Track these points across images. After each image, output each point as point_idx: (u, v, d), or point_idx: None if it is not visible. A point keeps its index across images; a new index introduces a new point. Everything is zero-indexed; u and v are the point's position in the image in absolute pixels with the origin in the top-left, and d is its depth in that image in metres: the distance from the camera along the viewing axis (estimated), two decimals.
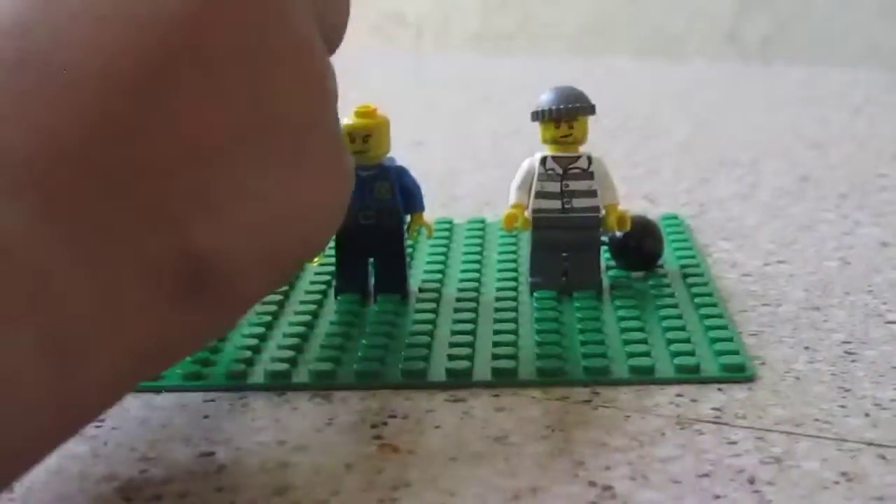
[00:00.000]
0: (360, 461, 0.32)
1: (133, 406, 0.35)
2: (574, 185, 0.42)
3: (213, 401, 0.35)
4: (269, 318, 0.40)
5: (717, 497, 0.29)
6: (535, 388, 0.35)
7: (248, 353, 0.37)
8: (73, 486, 0.31)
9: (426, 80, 0.90)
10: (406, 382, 0.36)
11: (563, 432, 0.33)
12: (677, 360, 0.36)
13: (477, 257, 0.46)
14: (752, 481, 0.30)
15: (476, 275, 0.44)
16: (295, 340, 0.38)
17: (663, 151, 0.66)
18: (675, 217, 0.51)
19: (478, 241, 0.48)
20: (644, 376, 0.36)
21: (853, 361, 0.37)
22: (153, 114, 0.28)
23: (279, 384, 0.36)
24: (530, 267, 0.42)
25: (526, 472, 0.31)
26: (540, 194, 0.42)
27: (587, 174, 0.41)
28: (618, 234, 0.43)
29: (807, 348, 0.38)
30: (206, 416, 0.35)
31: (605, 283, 0.43)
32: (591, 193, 0.42)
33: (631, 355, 0.37)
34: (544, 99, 0.41)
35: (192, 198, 0.28)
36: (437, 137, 0.69)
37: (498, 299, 0.42)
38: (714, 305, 0.40)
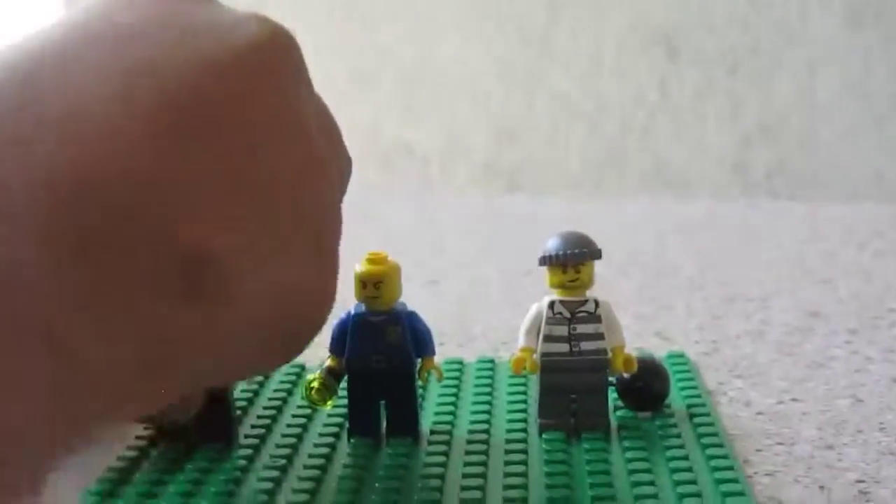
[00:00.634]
0: None
1: None
2: (581, 329, 0.42)
3: None
4: (283, 461, 0.41)
5: None
6: None
7: (266, 497, 0.38)
8: None
9: (434, 218, 0.92)
10: None
11: None
12: (684, 503, 0.37)
13: (487, 398, 0.47)
14: None
15: (486, 416, 0.45)
16: (310, 484, 0.39)
17: (673, 288, 0.67)
18: (682, 356, 0.51)
19: (487, 381, 0.49)
20: None
21: (868, 501, 0.38)
22: (164, 166, 0.31)
23: None
24: (539, 409, 0.43)
25: None
26: (548, 338, 0.43)
27: (594, 317, 0.42)
28: (625, 375, 0.44)
29: (822, 488, 0.39)
30: None
31: (613, 423, 0.44)
32: (599, 336, 0.42)
33: (638, 497, 0.37)
34: (551, 244, 0.42)
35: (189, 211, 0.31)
36: (449, 277, 0.70)
37: (508, 441, 0.42)
38: (721, 446, 0.41)
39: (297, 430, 0.44)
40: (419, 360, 0.43)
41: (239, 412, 0.45)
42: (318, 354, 0.50)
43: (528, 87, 1.20)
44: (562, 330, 0.43)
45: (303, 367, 0.51)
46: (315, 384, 0.43)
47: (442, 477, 0.39)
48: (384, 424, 0.43)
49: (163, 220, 0.30)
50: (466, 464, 0.40)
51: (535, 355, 0.43)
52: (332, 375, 0.43)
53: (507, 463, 0.40)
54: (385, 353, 0.42)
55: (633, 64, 1.18)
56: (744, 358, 0.53)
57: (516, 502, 0.37)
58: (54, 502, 0.29)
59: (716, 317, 0.60)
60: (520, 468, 0.40)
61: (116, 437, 0.44)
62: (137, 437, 0.43)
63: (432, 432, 0.44)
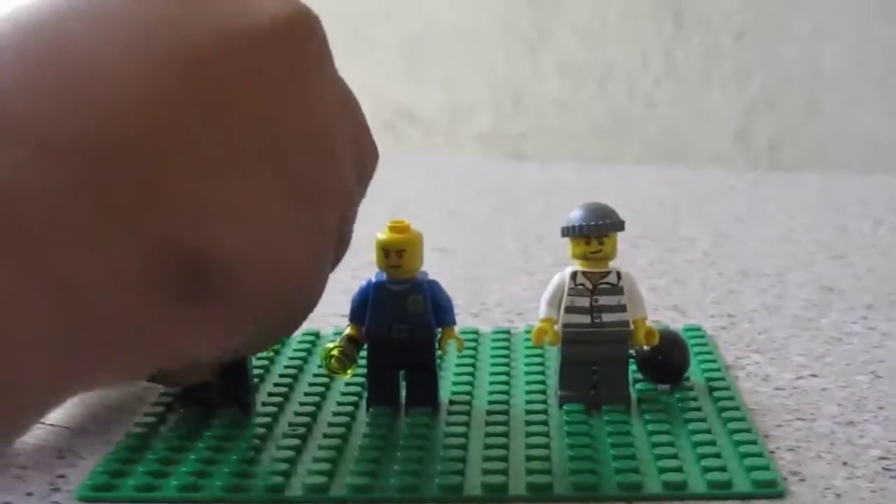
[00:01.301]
0: None
1: None
2: (603, 301, 0.42)
3: None
4: (303, 429, 0.41)
5: None
6: (571, 503, 0.36)
7: (286, 466, 0.38)
8: None
9: (441, 184, 0.91)
10: (445, 497, 0.36)
11: None
12: (709, 476, 0.36)
13: (505, 369, 0.47)
14: None
15: (505, 387, 0.45)
16: (330, 453, 0.39)
17: (687, 262, 0.66)
18: (699, 329, 0.51)
19: (504, 352, 0.49)
20: (677, 492, 0.36)
21: (892, 478, 0.37)
22: (182, 128, 0.31)
23: (318, 498, 0.36)
24: (559, 380, 0.43)
25: None
26: (570, 309, 0.42)
27: (617, 289, 0.42)
28: (645, 347, 0.44)
29: (845, 464, 0.39)
30: None
31: (633, 396, 0.43)
32: (621, 308, 0.42)
33: (663, 470, 0.37)
34: (575, 215, 0.42)
35: (201, 205, 0.32)
36: (460, 244, 0.70)
37: (528, 412, 0.42)
38: (742, 420, 0.41)
39: (316, 399, 0.44)
40: (439, 329, 0.43)
41: (256, 380, 0.45)
42: (330, 323, 0.50)
43: (533, 54, 1.20)
44: (584, 301, 0.42)
45: (317, 335, 0.50)
46: (335, 352, 0.42)
47: (464, 448, 0.39)
48: (403, 394, 0.43)
49: (156, 182, 0.31)
50: (488, 435, 0.40)
51: (556, 326, 0.42)
52: (352, 344, 0.42)
53: (528, 434, 0.40)
54: (406, 322, 0.42)
55: (638, 30, 1.18)
56: (760, 333, 0.53)
57: (541, 474, 0.37)
58: None
59: (731, 291, 0.60)
60: (542, 440, 0.40)
61: (135, 402, 0.44)
62: (155, 404, 0.43)
63: (451, 403, 0.43)
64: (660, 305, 0.56)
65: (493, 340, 0.50)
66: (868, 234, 0.72)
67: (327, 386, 0.45)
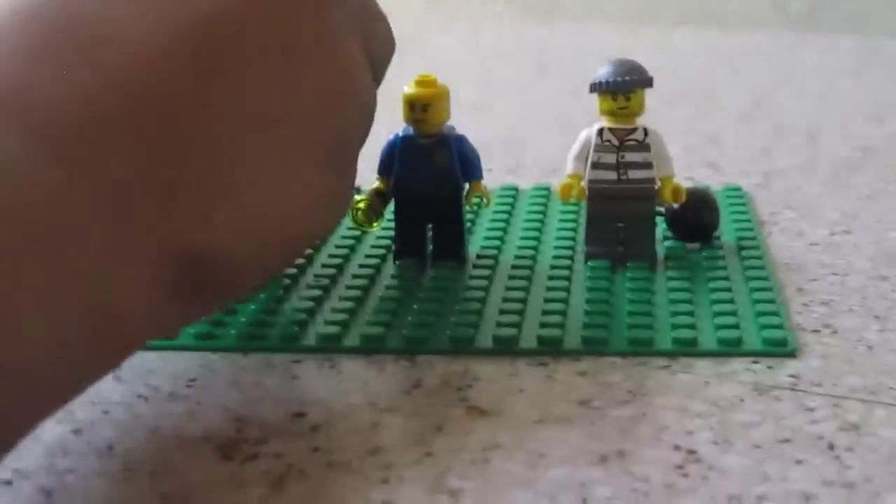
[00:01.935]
0: (450, 423, 0.33)
1: (220, 367, 0.36)
2: (630, 157, 0.42)
3: (300, 362, 0.36)
4: (327, 281, 0.41)
5: (799, 462, 0.30)
6: (580, 356, 0.36)
7: (305, 316, 0.39)
8: (170, 444, 0.32)
9: (476, 45, 0.90)
10: (455, 349, 0.37)
11: (644, 397, 0.34)
12: (720, 334, 0.37)
13: (538, 225, 0.47)
14: (831, 447, 0.31)
15: (535, 243, 0.45)
16: (350, 304, 0.39)
17: (721, 121, 0.66)
18: (738, 189, 0.51)
19: (540, 208, 0.49)
20: (687, 348, 0.36)
21: None
22: (185, 96, 0.30)
23: (330, 347, 0.37)
24: (586, 236, 0.43)
25: (611, 436, 0.32)
26: (596, 165, 0.42)
27: (643, 146, 0.42)
28: (675, 205, 0.43)
29: (877, 317, 0.39)
30: (294, 377, 0.36)
31: (661, 254, 0.43)
32: (647, 165, 0.42)
33: (675, 327, 0.37)
34: (602, 71, 0.42)
35: (194, 191, 0.30)
36: (497, 103, 0.70)
37: (552, 267, 0.42)
38: (765, 279, 0.41)
39: (345, 251, 0.44)
40: (467, 184, 0.43)
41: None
42: (366, 178, 0.51)
43: None
44: (610, 157, 0.42)
45: (359, 189, 0.51)
46: (361, 205, 0.43)
47: (483, 301, 0.40)
48: (430, 248, 0.43)
49: (169, 174, 0.30)
50: (508, 289, 0.40)
51: (582, 182, 0.42)
52: (378, 198, 0.43)
53: (548, 289, 0.40)
54: (432, 176, 0.42)
55: None
56: (794, 190, 0.53)
57: (552, 328, 0.37)
58: None
59: (765, 149, 0.60)
60: (560, 294, 0.40)
61: None
62: None
63: (478, 256, 0.44)
64: (694, 162, 0.56)
65: (532, 197, 0.50)
66: None
67: (358, 239, 0.45)
